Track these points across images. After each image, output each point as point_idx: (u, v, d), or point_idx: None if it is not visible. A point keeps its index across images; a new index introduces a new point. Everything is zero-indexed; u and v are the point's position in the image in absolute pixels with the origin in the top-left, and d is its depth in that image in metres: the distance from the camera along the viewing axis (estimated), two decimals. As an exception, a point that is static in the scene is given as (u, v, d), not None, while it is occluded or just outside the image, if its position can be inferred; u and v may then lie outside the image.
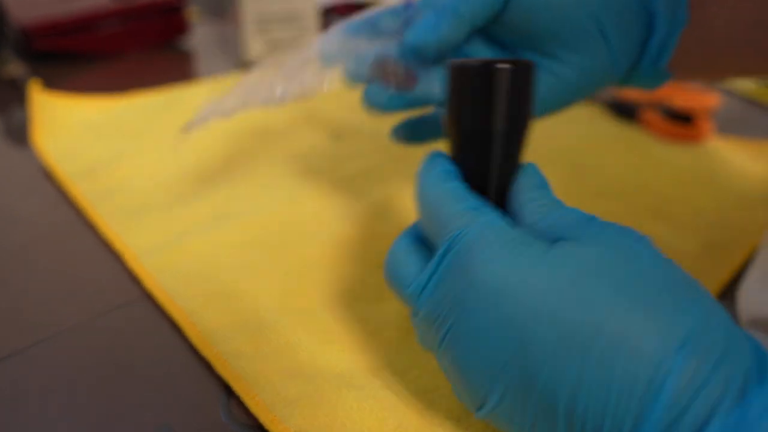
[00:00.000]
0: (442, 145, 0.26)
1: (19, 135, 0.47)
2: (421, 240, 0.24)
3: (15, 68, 0.59)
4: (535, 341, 0.18)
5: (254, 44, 0.61)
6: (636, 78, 0.31)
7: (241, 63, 0.62)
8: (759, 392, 0.16)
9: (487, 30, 0.29)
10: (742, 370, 0.17)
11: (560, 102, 0.31)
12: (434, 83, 0.29)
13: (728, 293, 0.34)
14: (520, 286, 0.19)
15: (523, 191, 0.24)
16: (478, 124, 0.24)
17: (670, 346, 0.17)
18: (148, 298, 0.32)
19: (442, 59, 0.28)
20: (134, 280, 0.33)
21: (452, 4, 0.27)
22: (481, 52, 0.30)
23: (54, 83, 0.55)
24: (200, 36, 0.68)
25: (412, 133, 0.33)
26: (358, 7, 0.76)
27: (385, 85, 0.29)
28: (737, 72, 0.33)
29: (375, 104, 0.30)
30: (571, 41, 0.28)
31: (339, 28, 0.32)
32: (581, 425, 0.18)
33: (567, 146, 0.49)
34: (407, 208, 0.39)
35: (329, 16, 0.73)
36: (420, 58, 0.28)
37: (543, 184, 0.25)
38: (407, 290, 0.23)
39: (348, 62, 0.30)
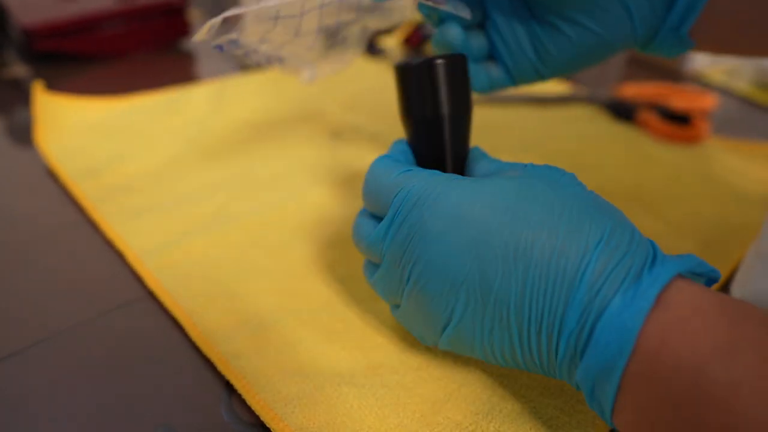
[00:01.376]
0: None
1: (23, 135, 0.48)
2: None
3: (18, 69, 0.59)
4: (488, 254, 0.22)
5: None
6: (657, 45, 0.31)
7: (241, 64, 0.62)
8: (648, 274, 0.21)
9: None
10: (641, 261, 0.21)
11: (576, 65, 0.32)
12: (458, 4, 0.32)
13: (725, 292, 0.35)
14: (470, 211, 0.23)
15: (471, 165, 0.28)
16: (426, 112, 0.28)
17: (589, 246, 0.21)
18: (150, 297, 0.32)
19: None
20: (136, 279, 0.33)
21: None
22: (506, 15, 0.32)
23: (56, 84, 0.55)
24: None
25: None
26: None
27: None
28: (765, 48, 0.32)
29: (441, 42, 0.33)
30: (591, 8, 0.29)
31: None
32: (528, 319, 0.22)
33: (565, 146, 0.49)
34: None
35: (329, 17, 0.73)
36: None
37: (490, 158, 0.28)
38: (369, 239, 0.26)
39: None
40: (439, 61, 0.27)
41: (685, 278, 0.22)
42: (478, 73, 0.33)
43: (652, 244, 0.23)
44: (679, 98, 0.58)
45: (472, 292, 0.23)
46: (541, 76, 0.32)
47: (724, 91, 0.64)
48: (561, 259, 0.21)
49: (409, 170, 0.26)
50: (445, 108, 0.28)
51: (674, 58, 0.33)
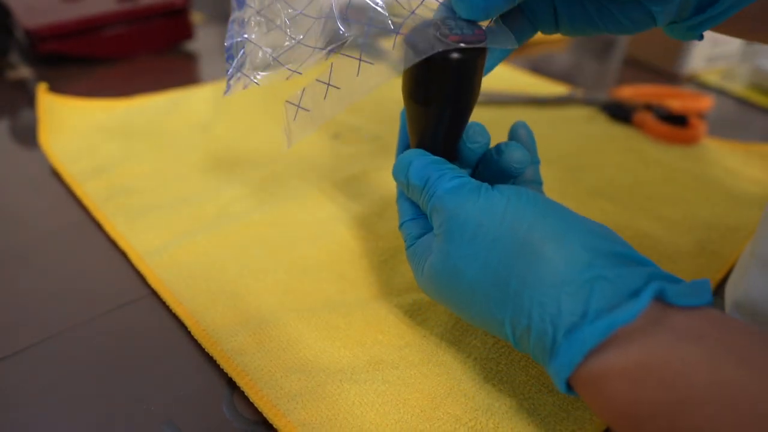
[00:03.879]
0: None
1: (27, 136, 0.48)
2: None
3: (22, 71, 0.59)
4: (504, 254, 0.24)
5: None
6: (670, 32, 0.31)
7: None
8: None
9: None
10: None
11: (592, 33, 0.32)
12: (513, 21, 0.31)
13: (721, 291, 0.35)
14: (485, 217, 0.25)
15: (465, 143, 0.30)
16: (432, 101, 0.27)
17: (580, 262, 0.23)
18: (153, 296, 0.33)
19: None
20: (139, 278, 0.34)
21: None
22: None
23: (60, 86, 0.55)
24: (204, 40, 0.69)
25: None
26: (359, 11, 0.77)
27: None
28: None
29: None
30: (624, 3, 0.29)
31: None
32: (529, 310, 0.23)
33: (564, 148, 0.50)
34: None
35: (330, 19, 0.73)
36: None
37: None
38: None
39: None
40: (455, 56, 0.25)
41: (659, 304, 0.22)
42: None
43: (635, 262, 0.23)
44: (675, 99, 0.58)
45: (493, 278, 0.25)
46: (558, 30, 0.32)
47: (720, 93, 0.65)
48: (560, 263, 0.23)
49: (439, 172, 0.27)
50: (455, 101, 0.27)
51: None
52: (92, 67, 0.61)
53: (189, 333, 0.30)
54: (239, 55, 0.30)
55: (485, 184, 0.26)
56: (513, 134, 0.32)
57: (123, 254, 0.36)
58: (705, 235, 0.39)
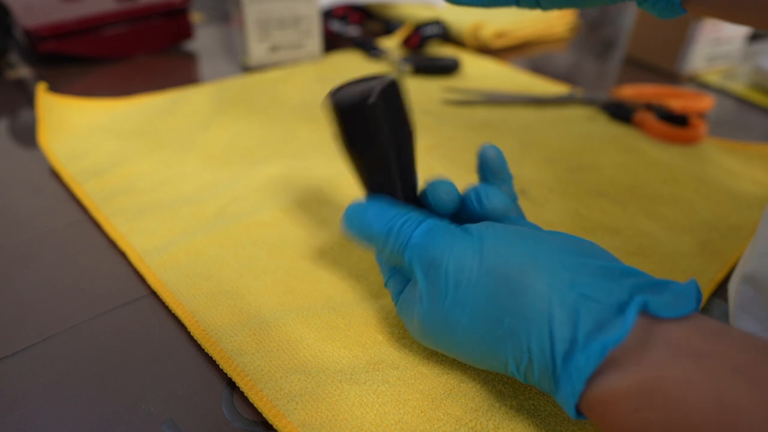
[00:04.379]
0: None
1: (27, 136, 0.48)
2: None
3: (22, 71, 0.59)
4: (489, 294, 0.24)
5: (256, 48, 0.61)
6: (650, 6, 0.32)
7: (243, 66, 0.63)
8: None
9: None
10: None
11: (573, 4, 0.32)
12: None
13: (722, 292, 0.35)
14: (464, 261, 0.25)
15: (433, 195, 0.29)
16: (368, 149, 0.27)
17: (565, 294, 0.22)
18: (153, 296, 0.33)
19: None
20: (138, 278, 0.34)
21: None
22: None
23: (60, 86, 0.55)
24: (204, 39, 0.69)
25: None
26: (359, 11, 0.77)
27: None
28: (757, 19, 0.32)
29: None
30: None
31: None
32: (527, 337, 0.23)
33: (564, 147, 0.50)
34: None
35: (330, 19, 0.73)
36: None
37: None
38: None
39: None
40: (372, 101, 0.26)
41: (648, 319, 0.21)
42: None
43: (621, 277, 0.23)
44: (676, 99, 0.58)
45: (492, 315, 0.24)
46: (539, 5, 0.33)
47: (721, 93, 0.65)
48: (545, 297, 0.23)
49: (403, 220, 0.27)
50: (388, 142, 0.27)
51: (666, 19, 0.33)
52: (92, 67, 0.61)
53: (188, 333, 0.30)
54: None
55: (452, 226, 0.26)
56: (482, 158, 0.31)
57: (122, 254, 0.36)
58: (705, 235, 0.39)
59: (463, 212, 0.30)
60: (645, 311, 0.22)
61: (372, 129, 0.27)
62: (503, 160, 0.31)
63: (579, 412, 0.23)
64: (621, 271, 0.23)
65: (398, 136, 0.28)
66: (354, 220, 0.28)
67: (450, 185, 0.29)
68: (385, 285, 0.30)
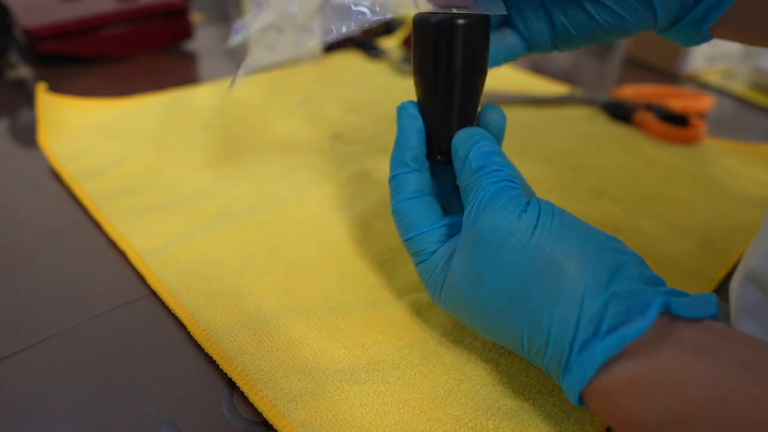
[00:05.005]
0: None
1: (27, 136, 0.48)
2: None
3: (22, 71, 0.59)
4: (527, 266, 0.24)
5: (256, 47, 0.61)
6: (674, 33, 0.31)
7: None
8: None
9: None
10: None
11: (590, 42, 0.32)
12: (503, 33, 0.33)
13: (723, 292, 0.35)
14: (516, 227, 0.25)
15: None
16: (440, 72, 0.28)
17: (599, 283, 0.23)
18: (153, 296, 0.33)
19: None
20: (139, 278, 0.34)
21: None
22: None
23: (60, 86, 0.55)
24: (204, 39, 0.69)
25: None
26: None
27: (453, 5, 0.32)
28: None
29: None
30: None
31: None
32: (548, 324, 0.23)
33: (564, 147, 0.50)
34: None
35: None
36: None
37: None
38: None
39: None
40: (461, 21, 0.27)
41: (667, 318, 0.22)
42: (493, 43, 0.32)
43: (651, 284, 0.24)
44: (676, 99, 0.58)
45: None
46: (556, 48, 0.32)
47: (721, 93, 0.65)
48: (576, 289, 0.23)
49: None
50: (459, 70, 0.28)
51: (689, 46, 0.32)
52: (92, 67, 0.61)
53: (188, 333, 0.30)
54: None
55: (521, 193, 0.26)
56: (485, 118, 0.31)
57: (122, 254, 0.36)
58: (705, 235, 0.39)
59: None
60: (667, 311, 0.22)
61: (449, 51, 0.27)
62: (503, 127, 0.31)
63: (580, 400, 0.23)
64: (655, 279, 0.24)
65: (470, 70, 0.28)
66: (463, 142, 0.28)
67: (499, 108, 0.30)
68: (408, 240, 0.29)
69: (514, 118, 0.56)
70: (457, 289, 0.26)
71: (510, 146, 0.49)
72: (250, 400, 0.26)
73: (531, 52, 0.33)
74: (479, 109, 0.30)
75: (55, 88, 0.54)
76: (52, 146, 0.45)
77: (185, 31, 0.66)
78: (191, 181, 0.42)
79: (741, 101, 0.63)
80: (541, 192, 0.43)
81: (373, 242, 0.37)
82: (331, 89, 0.58)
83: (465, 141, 0.28)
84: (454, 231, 0.29)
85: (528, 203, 0.26)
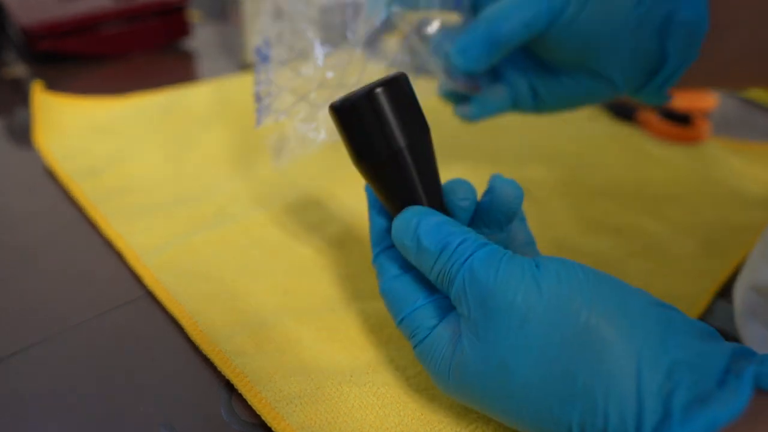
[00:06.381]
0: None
1: (22, 135, 0.47)
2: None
3: (18, 69, 0.59)
4: (565, 344, 0.21)
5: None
6: (638, 96, 0.34)
7: (242, 64, 0.62)
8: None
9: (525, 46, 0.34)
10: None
11: (560, 108, 0.36)
12: (496, 90, 0.36)
13: (726, 293, 0.35)
14: (536, 299, 0.21)
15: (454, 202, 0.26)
16: (381, 151, 0.24)
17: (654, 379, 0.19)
18: (150, 297, 0.32)
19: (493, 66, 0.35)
20: (136, 279, 0.33)
21: (497, 27, 0.31)
22: (516, 69, 0.36)
23: (56, 84, 0.55)
24: (201, 37, 0.68)
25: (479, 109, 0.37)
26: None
27: (462, 91, 0.36)
28: (741, 86, 0.37)
29: (464, 117, 0.37)
30: (589, 69, 0.33)
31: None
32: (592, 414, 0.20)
33: (566, 146, 0.50)
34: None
35: (329, 17, 0.73)
36: (471, 74, 0.35)
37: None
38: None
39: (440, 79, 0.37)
40: (379, 89, 0.24)
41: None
42: (487, 94, 0.36)
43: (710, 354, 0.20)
44: (679, 98, 0.58)
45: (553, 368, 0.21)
46: (538, 110, 0.37)
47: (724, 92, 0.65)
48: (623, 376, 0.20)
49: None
50: (401, 140, 0.24)
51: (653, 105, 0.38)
52: (88, 66, 0.60)
53: (187, 334, 0.30)
54: (266, 99, 0.33)
55: (518, 255, 0.22)
56: (495, 193, 0.26)
57: (119, 255, 0.35)
58: (709, 235, 0.39)
59: (475, 216, 0.27)
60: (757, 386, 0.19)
61: (380, 123, 0.24)
62: (520, 199, 0.26)
63: None
64: (708, 332, 0.21)
65: (411, 134, 0.24)
66: (404, 228, 0.24)
67: (466, 182, 0.26)
68: (400, 323, 0.25)
69: (515, 117, 0.55)
70: (474, 379, 0.22)
71: (512, 145, 0.49)
72: (249, 402, 0.26)
73: (514, 111, 0.37)
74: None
75: (51, 86, 0.54)
76: (48, 145, 0.45)
77: (183, 29, 0.65)
78: (190, 181, 0.42)
79: (745, 100, 0.62)
80: (543, 192, 0.43)
81: (374, 242, 0.37)
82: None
83: (405, 232, 0.24)
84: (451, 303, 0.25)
85: (535, 263, 0.22)
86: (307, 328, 0.30)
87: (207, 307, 0.31)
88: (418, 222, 0.24)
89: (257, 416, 0.26)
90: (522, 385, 0.21)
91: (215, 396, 0.27)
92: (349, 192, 0.42)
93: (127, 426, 0.26)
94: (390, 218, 0.27)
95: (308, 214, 0.39)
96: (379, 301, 0.32)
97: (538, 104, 0.36)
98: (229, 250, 0.35)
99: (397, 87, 0.25)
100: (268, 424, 0.25)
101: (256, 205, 0.40)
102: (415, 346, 0.25)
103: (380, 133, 0.24)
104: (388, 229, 0.26)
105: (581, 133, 0.52)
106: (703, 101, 0.57)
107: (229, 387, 0.27)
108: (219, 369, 0.28)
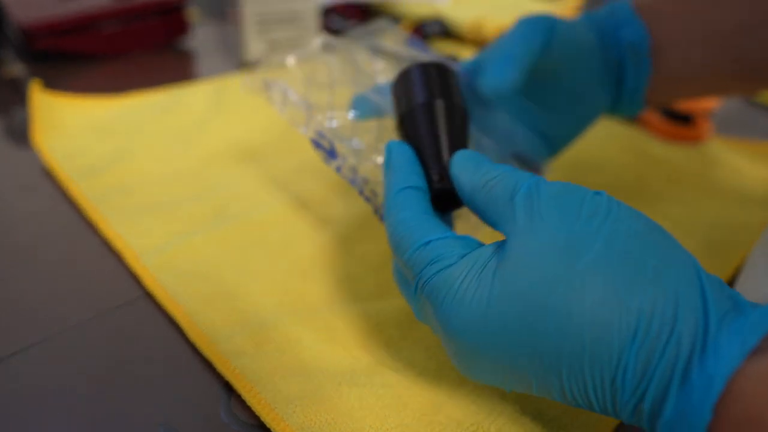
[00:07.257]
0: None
1: (20, 135, 0.47)
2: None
3: (16, 68, 0.59)
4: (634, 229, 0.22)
5: (254, 45, 0.61)
6: (616, 112, 0.39)
7: (241, 63, 0.62)
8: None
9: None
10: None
11: (567, 141, 0.39)
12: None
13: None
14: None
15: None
16: (404, 105, 0.30)
17: (624, 343, 0.19)
18: (149, 297, 0.32)
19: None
20: (135, 279, 0.33)
21: (509, 50, 0.33)
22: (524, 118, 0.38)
23: (54, 83, 0.55)
24: (201, 36, 0.68)
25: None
26: (358, 8, 0.76)
27: None
28: (710, 93, 0.40)
29: None
30: (577, 96, 0.36)
31: None
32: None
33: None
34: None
35: (329, 16, 0.73)
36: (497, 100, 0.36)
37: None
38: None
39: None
40: (425, 62, 0.31)
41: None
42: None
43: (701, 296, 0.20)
44: (680, 97, 0.58)
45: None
46: (555, 153, 0.39)
47: (725, 91, 0.64)
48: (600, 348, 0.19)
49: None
50: (420, 97, 0.30)
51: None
52: (87, 65, 0.60)
53: (186, 335, 0.30)
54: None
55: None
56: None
57: (118, 255, 0.35)
58: (711, 235, 0.39)
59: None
60: None
61: (406, 87, 0.30)
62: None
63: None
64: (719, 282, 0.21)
65: (430, 96, 0.29)
66: (470, 154, 0.26)
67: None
68: (415, 251, 0.24)
69: (516, 116, 0.55)
70: (517, 293, 0.21)
71: (512, 144, 0.49)
72: (248, 403, 0.26)
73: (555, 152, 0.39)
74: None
75: (50, 85, 0.53)
76: (47, 145, 0.44)
77: (182, 28, 0.65)
78: (189, 181, 0.42)
79: (747, 100, 0.62)
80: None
81: (373, 243, 0.36)
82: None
83: (471, 155, 0.26)
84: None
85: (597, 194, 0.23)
86: (307, 328, 0.30)
87: (206, 307, 0.31)
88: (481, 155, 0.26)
89: (256, 417, 0.26)
90: (585, 271, 0.20)
91: (214, 396, 0.27)
92: (351, 192, 0.41)
93: (127, 426, 0.25)
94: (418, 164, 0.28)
95: (308, 214, 0.39)
96: (380, 302, 0.32)
97: (551, 147, 0.38)
98: (229, 250, 0.35)
99: (438, 67, 0.31)
100: (268, 425, 0.25)
101: (257, 205, 0.40)
102: (435, 273, 0.23)
103: (406, 92, 0.31)
104: (416, 171, 0.27)
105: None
106: (705, 100, 0.57)
107: (229, 387, 0.27)
108: (218, 369, 0.28)
